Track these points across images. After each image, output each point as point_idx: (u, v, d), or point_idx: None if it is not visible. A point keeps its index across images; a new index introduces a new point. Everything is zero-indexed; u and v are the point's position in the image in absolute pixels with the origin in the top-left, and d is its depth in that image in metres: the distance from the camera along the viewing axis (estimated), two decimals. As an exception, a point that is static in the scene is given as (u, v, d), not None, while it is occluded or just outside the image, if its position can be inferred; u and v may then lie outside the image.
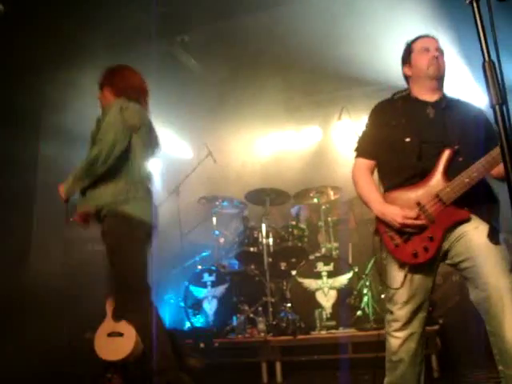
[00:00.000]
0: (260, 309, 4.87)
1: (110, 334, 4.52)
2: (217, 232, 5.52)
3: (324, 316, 4.56)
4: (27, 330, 3.74)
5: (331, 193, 5.39)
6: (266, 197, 5.32)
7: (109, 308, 4.72)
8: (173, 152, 6.51)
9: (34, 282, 5.80)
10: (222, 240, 5.52)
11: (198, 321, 5.03)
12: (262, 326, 4.68)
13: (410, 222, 2.35)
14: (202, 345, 4.58)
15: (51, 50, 6.07)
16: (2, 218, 5.00)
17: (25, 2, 4.95)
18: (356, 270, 4.80)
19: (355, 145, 2.71)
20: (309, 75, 5.85)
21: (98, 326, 4.55)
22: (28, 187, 6.01)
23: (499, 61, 1.49)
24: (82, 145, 3.36)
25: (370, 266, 4.93)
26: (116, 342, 4.46)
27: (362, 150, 2.66)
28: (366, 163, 2.64)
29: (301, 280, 4.79)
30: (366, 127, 2.69)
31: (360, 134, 2.73)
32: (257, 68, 5.76)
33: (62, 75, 5.84)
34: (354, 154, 2.70)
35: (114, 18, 5.73)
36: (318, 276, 4.74)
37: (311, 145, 6.81)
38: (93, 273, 5.39)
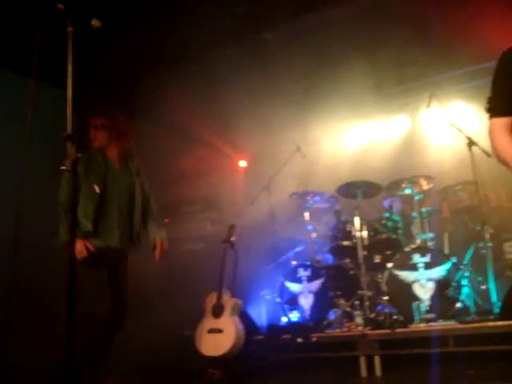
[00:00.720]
0: (356, 302, 4.84)
1: (211, 331, 4.68)
2: (309, 227, 5.53)
3: (422, 308, 4.44)
4: (130, 326, 3.94)
5: (424, 182, 5.22)
6: (357, 190, 5.25)
7: (208, 305, 4.88)
8: (262, 149, 6.59)
9: (135, 283, 6.10)
10: (314, 235, 5.51)
11: (295, 316, 5.07)
12: (359, 320, 4.65)
13: None
14: (299, 340, 4.63)
15: (143, 56, 6.38)
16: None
17: (116, 13, 5.22)
18: (454, 260, 4.63)
19: (486, 105, 2.45)
20: (396, 62, 5.70)
21: (196, 323, 4.72)
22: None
23: None
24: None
25: (468, 255, 4.73)
26: (216, 338, 4.61)
27: (495, 108, 2.40)
28: (502, 122, 2.37)
29: (397, 272, 4.68)
30: (495, 82, 2.43)
31: (490, 91, 2.45)
32: (342, 59, 5.69)
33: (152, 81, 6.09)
34: (487, 115, 2.44)
35: (197, 21, 5.92)
36: (415, 268, 4.61)
37: (400, 134, 6.62)
38: (189, 272, 5.61)
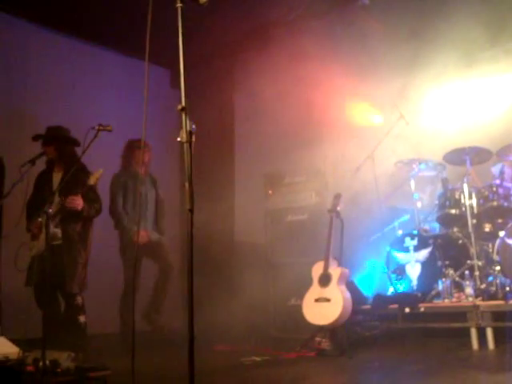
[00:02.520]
0: (466, 272, 4.72)
1: (318, 300, 4.80)
2: (416, 196, 5.43)
3: (539, 279, 4.26)
4: (235, 293, 4.17)
5: (539, 146, 4.92)
6: (465, 156, 5.05)
7: (315, 274, 4.99)
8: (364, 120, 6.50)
9: (240, 250, 6.38)
10: (420, 203, 5.41)
11: (401, 286, 5.05)
12: (469, 291, 4.54)
13: None
14: (406, 310, 4.63)
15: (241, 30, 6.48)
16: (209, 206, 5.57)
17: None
18: None
19: None
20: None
21: (302, 293, 4.85)
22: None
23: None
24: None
25: None
26: (323, 307, 4.72)
27: None
28: None
29: (510, 241, 4.51)
30: None
31: None
32: (453, 12, 5.39)
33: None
34: None
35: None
36: (529, 236, 4.42)
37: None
38: (294, 242, 5.74)
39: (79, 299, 4.66)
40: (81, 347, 4.24)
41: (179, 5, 2.36)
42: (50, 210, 4.18)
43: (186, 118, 2.20)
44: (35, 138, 4.84)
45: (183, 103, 2.21)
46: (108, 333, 5.54)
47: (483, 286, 4.52)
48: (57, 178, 4.82)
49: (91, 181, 4.44)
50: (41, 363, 3.15)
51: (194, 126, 2.29)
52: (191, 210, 2.11)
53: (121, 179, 5.63)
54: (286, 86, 6.20)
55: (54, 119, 5.21)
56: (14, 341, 3.79)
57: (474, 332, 4.14)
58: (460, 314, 4.30)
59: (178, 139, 2.19)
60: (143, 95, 2.37)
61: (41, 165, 4.79)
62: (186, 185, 2.13)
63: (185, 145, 2.17)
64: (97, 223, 5.04)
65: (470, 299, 4.43)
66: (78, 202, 4.53)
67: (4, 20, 5.94)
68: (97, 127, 3.87)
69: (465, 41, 5.38)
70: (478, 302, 4.33)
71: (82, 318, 4.63)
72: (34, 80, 6.19)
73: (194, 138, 2.21)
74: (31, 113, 5.92)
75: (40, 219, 4.38)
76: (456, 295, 4.62)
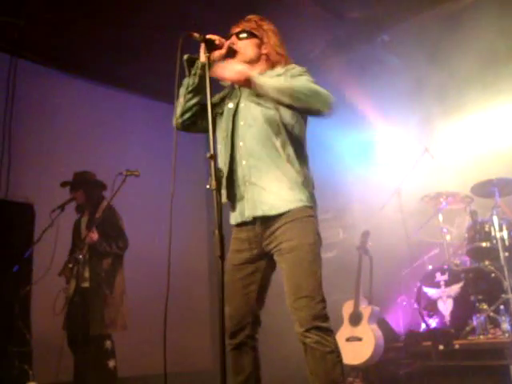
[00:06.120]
0: (501, 307, 4.60)
1: (349, 339, 4.73)
2: (444, 229, 5.36)
3: None
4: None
5: None
6: (493, 188, 5.00)
7: (345, 313, 4.93)
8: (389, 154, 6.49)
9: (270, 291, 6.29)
10: (448, 237, 5.33)
11: (434, 322, 4.94)
12: (505, 326, 4.41)
13: None
14: (441, 347, 4.52)
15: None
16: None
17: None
18: None
19: None
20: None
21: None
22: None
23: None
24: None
25: None
26: (355, 346, 4.66)
27: None
28: None
29: (544, 274, 4.41)
30: None
31: None
32: (461, 51, 5.45)
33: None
34: None
35: (314, 31, 6.00)
36: None
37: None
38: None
39: (108, 343, 4.62)
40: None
41: (206, 55, 2.48)
42: (81, 256, 4.25)
43: (214, 165, 2.24)
44: (63, 184, 4.95)
45: (211, 151, 2.25)
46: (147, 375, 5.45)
47: (520, 321, 4.40)
48: (84, 222, 4.90)
49: (98, 213, 4.53)
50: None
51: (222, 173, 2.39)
52: (222, 257, 2.12)
53: None
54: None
55: (81, 163, 5.33)
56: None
57: (512, 369, 4.01)
58: (497, 351, 4.18)
59: (208, 186, 2.22)
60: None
61: (70, 211, 4.88)
62: (216, 232, 2.14)
63: (214, 192, 2.19)
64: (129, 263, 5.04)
65: (507, 335, 4.31)
66: (91, 237, 4.54)
67: (32, 69, 6.15)
68: (124, 172, 3.94)
69: (485, 70, 5.40)
70: (516, 338, 4.21)
71: (111, 363, 4.58)
72: (62, 125, 6.35)
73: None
74: (60, 158, 6.05)
75: (70, 265, 4.45)
76: (492, 331, 4.49)
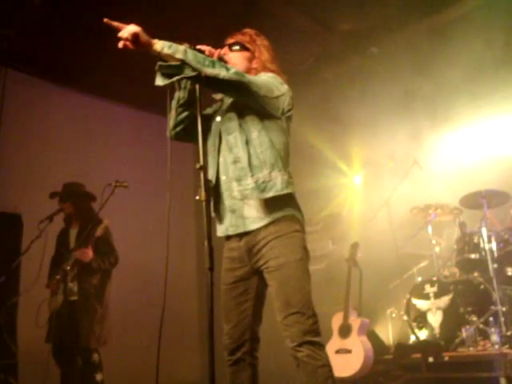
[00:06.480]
0: (490, 319, 4.61)
1: (338, 351, 4.71)
2: (433, 241, 5.37)
3: None
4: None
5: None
6: (482, 199, 5.02)
7: (335, 325, 4.91)
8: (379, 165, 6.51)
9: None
10: (437, 249, 5.34)
11: (423, 334, 4.93)
12: (495, 338, 4.40)
13: None
14: (430, 359, 4.50)
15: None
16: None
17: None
18: None
19: None
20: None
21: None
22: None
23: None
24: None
25: None
26: (345, 358, 4.63)
27: None
28: None
29: (534, 285, 4.42)
30: None
31: None
32: (449, 63, 5.50)
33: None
34: None
35: (306, 43, 6.03)
36: (554, 280, 4.33)
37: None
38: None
39: (95, 356, 4.57)
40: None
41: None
42: (68, 268, 4.20)
43: (204, 176, 2.23)
44: (52, 195, 4.90)
45: (201, 162, 2.24)
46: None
47: (509, 333, 4.40)
48: (73, 234, 4.85)
49: (98, 232, 4.48)
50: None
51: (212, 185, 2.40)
52: (211, 269, 2.10)
53: None
54: (296, 135, 6.26)
55: (70, 174, 5.29)
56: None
57: (503, 382, 3.99)
58: (487, 363, 4.17)
59: (197, 198, 2.21)
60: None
61: (58, 221, 4.83)
62: (206, 243, 2.13)
63: (203, 203, 2.18)
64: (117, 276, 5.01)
65: (497, 347, 4.30)
66: (86, 255, 4.49)
67: (21, 79, 6.11)
68: (113, 183, 3.91)
69: (473, 82, 5.45)
70: (505, 349, 4.20)
71: (98, 376, 4.52)
72: (52, 136, 6.30)
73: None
74: (49, 169, 6.01)
75: (58, 276, 4.40)
76: (481, 343, 4.49)
